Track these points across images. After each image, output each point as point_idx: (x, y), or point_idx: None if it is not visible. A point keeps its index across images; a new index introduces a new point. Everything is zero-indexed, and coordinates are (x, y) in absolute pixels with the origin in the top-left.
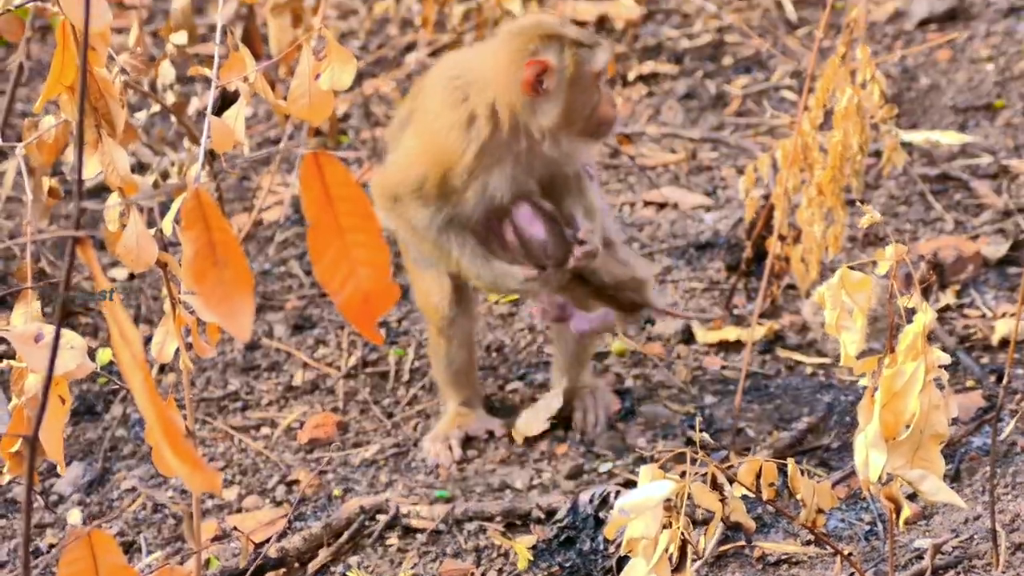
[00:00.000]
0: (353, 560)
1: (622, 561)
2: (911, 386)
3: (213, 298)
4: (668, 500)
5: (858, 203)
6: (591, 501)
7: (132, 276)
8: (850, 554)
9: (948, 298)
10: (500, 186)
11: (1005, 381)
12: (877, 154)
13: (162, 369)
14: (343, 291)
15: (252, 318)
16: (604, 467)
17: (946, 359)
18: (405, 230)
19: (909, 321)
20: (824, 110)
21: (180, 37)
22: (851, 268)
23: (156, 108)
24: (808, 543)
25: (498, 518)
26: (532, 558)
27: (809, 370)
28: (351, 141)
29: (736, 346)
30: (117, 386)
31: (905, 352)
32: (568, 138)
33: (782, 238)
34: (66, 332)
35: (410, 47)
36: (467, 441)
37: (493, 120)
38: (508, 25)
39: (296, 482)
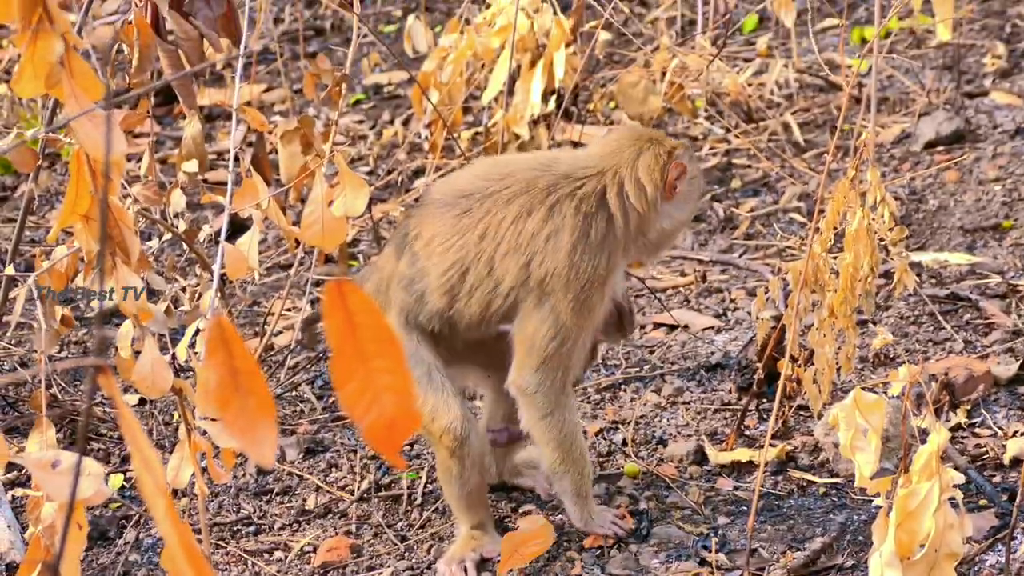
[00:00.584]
0: None
1: None
2: (926, 506)
3: (236, 425)
4: None
5: (870, 324)
6: None
7: (143, 402)
8: None
9: (959, 417)
10: (619, 285)
11: (1018, 500)
12: (887, 275)
13: (175, 494)
14: (367, 417)
15: (275, 445)
16: None
17: (960, 479)
18: (568, 416)
19: (922, 441)
20: (834, 232)
21: (191, 165)
22: (864, 390)
23: (167, 235)
24: None
25: None
26: None
27: (822, 490)
28: (361, 266)
29: (748, 467)
30: (130, 511)
31: (919, 472)
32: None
33: (794, 359)
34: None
35: (419, 172)
36: (481, 563)
37: (625, 223)
38: (622, 131)
39: None
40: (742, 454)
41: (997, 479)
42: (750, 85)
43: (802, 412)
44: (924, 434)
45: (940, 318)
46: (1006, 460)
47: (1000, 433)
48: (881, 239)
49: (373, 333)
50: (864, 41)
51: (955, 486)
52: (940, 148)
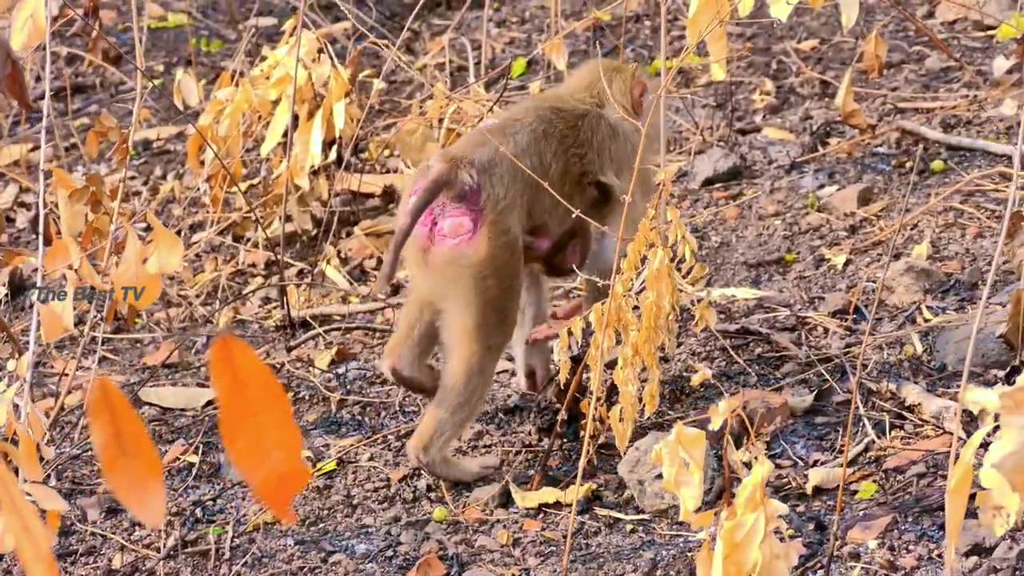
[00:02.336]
0: None
1: None
2: (752, 537)
3: (123, 486)
4: None
5: (663, 361)
6: None
7: None
8: None
9: (759, 450)
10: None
11: (835, 528)
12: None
13: None
14: (258, 474)
15: (164, 504)
16: None
17: (784, 509)
18: None
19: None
20: (636, 271)
21: None
22: (679, 425)
23: None
24: None
25: None
26: None
27: (629, 527)
28: (144, 323)
29: (555, 507)
30: None
31: (744, 504)
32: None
33: (598, 399)
34: None
35: (197, 226)
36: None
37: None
38: (585, 67)
39: None
40: (548, 495)
41: (801, 508)
42: None
43: (604, 450)
44: (737, 468)
45: (732, 352)
46: (808, 490)
47: (801, 463)
48: (681, 277)
49: (261, 389)
50: None
51: (781, 517)
52: (718, 185)
